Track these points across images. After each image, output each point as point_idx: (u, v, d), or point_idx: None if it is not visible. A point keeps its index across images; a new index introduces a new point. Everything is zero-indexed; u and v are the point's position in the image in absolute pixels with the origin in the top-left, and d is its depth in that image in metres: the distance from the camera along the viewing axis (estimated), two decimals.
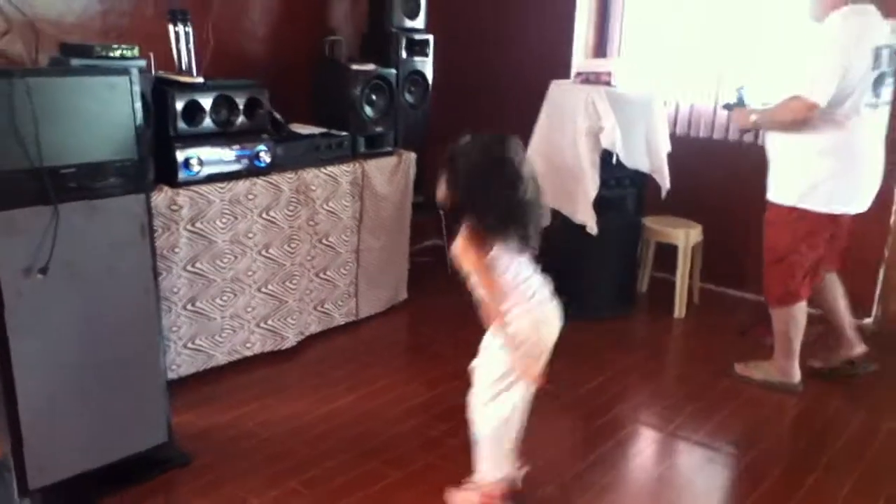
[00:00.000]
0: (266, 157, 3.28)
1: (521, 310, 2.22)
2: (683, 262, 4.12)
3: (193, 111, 3.05)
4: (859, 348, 3.44)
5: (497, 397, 2.30)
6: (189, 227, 3.06)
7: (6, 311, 2.20)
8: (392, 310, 4.07)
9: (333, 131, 3.69)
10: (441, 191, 2.22)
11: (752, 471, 2.77)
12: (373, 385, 3.26)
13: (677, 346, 3.99)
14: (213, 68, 3.57)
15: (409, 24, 4.14)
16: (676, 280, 4.13)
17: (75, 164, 2.26)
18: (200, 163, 3.07)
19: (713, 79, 4.29)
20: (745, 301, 4.30)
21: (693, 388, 3.39)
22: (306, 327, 3.65)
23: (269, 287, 3.41)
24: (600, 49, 4.72)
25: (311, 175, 3.48)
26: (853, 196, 3.10)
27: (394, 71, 3.92)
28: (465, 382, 2.39)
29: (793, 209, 3.11)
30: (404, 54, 4.06)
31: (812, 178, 3.05)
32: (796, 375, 3.33)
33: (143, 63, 2.84)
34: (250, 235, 3.28)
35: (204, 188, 3.09)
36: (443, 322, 3.88)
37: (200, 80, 3.15)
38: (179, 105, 3.00)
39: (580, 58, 4.58)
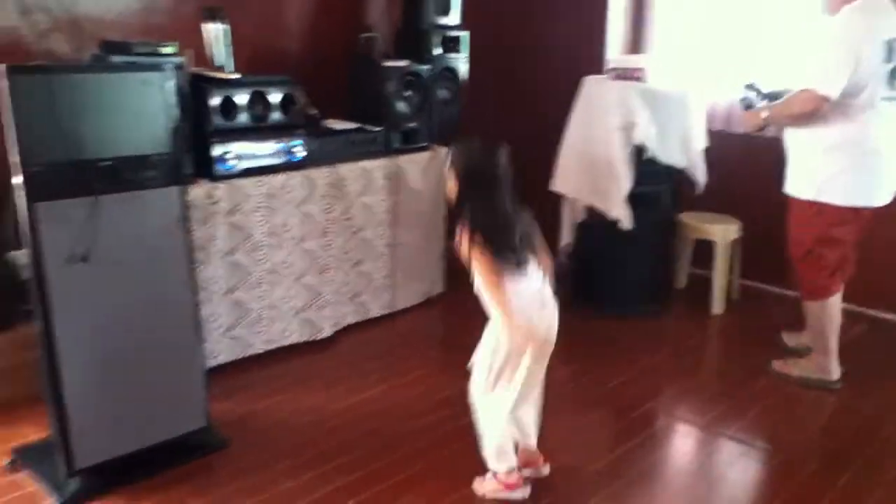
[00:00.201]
0: (301, 152, 3.35)
1: (518, 310, 2.28)
2: (721, 258, 4.08)
3: (229, 107, 3.13)
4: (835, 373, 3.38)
5: (495, 387, 2.35)
6: (227, 219, 3.14)
7: (50, 297, 2.29)
8: (428, 302, 4.11)
9: (368, 126, 3.75)
10: (448, 187, 2.34)
11: (785, 468, 2.75)
12: (405, 376, 3.31)
13: (713, 342, 3.96)
14: (251, 64, 3.64)
15: (443, 20, 4.17)
16: (714, 276, 4.09)
17: (114, 157, 2.34)
18: (237, 157, 3.15)
19: (742, 74, 4.23)
20: (785, 297, 4.24)
21: (728, 384, 3.36)
22: (342, 318, 3.72)
23: (306, 278, 3.48)
24: (636, 45, 4.70)
25: (345, 169, 3.55)
26: (873, 189, 3.06)
27: (427, 67, 3.96)
28: None
29: (812, 203, 3.09)
30: (438, 51, 4.10)
31: (829, 171, 3.03)
32: (835, 372, 3.28)
33: (180, 60, 2.94)
34: (286, 228, 3.35)
35: (241, 182, 3.17)
36: (478, 315, 3.85)
37: (236, 76, 3.24)
38: (216, 101, 3.08)
39: (615, 53, 4.56)
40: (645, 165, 3.83)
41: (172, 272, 2.56)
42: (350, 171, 3.57)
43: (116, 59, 2.82)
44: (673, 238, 4.30)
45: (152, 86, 2.41)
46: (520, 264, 2.28)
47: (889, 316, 4.04)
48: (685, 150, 3.97)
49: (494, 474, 2.46)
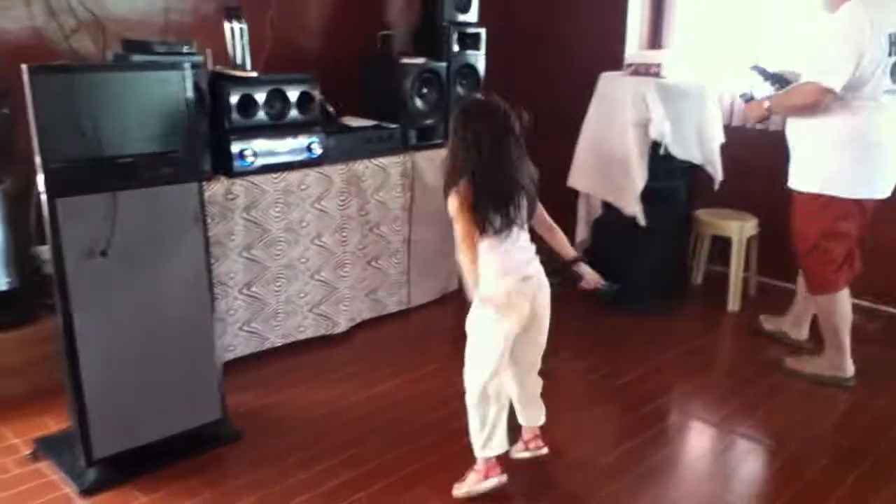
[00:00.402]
0: (318, 149, 3.40)
1: (494, 272, 2.30)
2: (737, 255, 4.07)
3: (248, 104, 3.18)
4: (802, 334, 3.60)
5: (481, 362, 2.38)
6: (244, 215, 3.20)
7: (70, 291, 2.36)
8: (444, 298, 4.14)
9: (384, 124, 3.79)
10: (451, 141, 2.33)
11: (794, 465, 2.75)
12: (419, 371, 3.35)
13: (727, 339, 3.96)
14: (270, 62, 3.70)
15: (461, 17, 4.19)
16: (730, 273, 4.09)
17: (132, 154, 2.40)
18: (254, 154, 3.20)
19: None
20: None
21: (740, 381, 3.36)
22: (358, 314, 3.76)
23: (322, 274, 3.52)
24: (654, 40, 4.69)
25: (361, 166, 3.59)
26: (876, 181, 3.07)
27: (444, 64, 3.99)
28: None
29: (818, 196, 3.10)
30: (456, 48, 4.12)
31: (834, 164, 3.04)
32: (848, 369, 3.27)
33: (199, 59, 3.00)
34: (303, 224, 3.40)
35: (258, 178, 3.22)
36: None
37: (254, 74, 3.29)
38: (234, 99, 3.13)
39: (633, 49, 4.56)
40: (661, 161, 3.83)
41: (189, 267, 2.61)
42: (366, 167, 3.61)
43: (137, 58, 2.87)
44: (689, 235, 4.29)
45: (170, 84, 2.46)
46: (504, 231, 2.28)
47: None
48: (702, 145, 3.97)
49: (474, 468, 2.48)
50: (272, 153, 3.27)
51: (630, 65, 3.99)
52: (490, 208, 2.26)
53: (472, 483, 2.48)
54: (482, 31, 4.21)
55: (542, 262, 2.42)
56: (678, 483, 2.68)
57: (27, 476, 2.55)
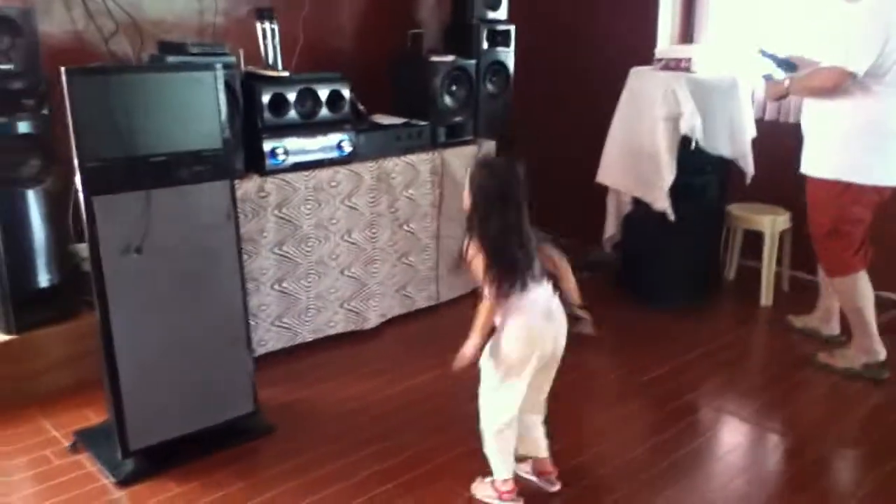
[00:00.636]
0: (348, 147, 3.44)
1: (516, 324, 2.32)
2: (769, 250, 4.03)
3: (279, 104, 3.23)
4: (832, 329, 3.56)
5: (497, 393, 2.38)
6: (276, 212, 3.25)
7: (107, 288, 2.43)
8: (473, 293, 4.14)
9: (414, 121, 3.82)
10: (464, 197, 2.37)
11: (822, 460, 2.74)
12: (448, 366, 3.35)
13: (759, 334, 3.92)
14: (303, 62, 3.75)
15: (491, 15, 4.21)
16: (762, 267, 4.05)
17: (166, 153, 2.46)
18: (286, 152, 3.25)
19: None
20: None
21: (771, 376, 3.35)
22: (389, 309, 3.80)
23: (352, 270, 3.57)
24: (687, 35, 4.66)
25: (391, 163, 3.63)
26: (893, 168, 3.07)
27: (473, 62, 4.01)
28: None
29: (836, 182, 3.10)
30: (486, 45, 4.14)
31: (852, 151, 3.05)
32: (881, 352, 3.26)
33: (231, 59, 3.05)
34: (333, 221, 3.45)
35: (290, 176, 3.28)
36: None
37: (286, 73, 3.34)
38: (266, 98, 3.19)
39: (665, 44, 4.53)
40: (692, 156, 3.81)
41: (222, 263, 2.67)
42: (396, 164, 3.65)
43: (172, 59, 2.95)
44: (721, 229, 4.26)
45: (203, 84, 2.52)
46: (523, 279, 2.29)
47: None
48: (733, 140, 3.94)
49: (493, 481, 2.47)
50: (303, 151, 3.32)
51: (660, 59, 3.98)
52: (501, 275, 2.27)
53: (489, 496, 2.50)
54: (512, 28, 4.23)
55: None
56: (706, 477, 2.68)
57: (66, 467, 2.63)
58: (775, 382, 3.28)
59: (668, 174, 3.74)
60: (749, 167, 4.01)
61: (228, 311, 2.72)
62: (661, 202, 3.80)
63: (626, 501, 2.51)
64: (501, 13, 4.25)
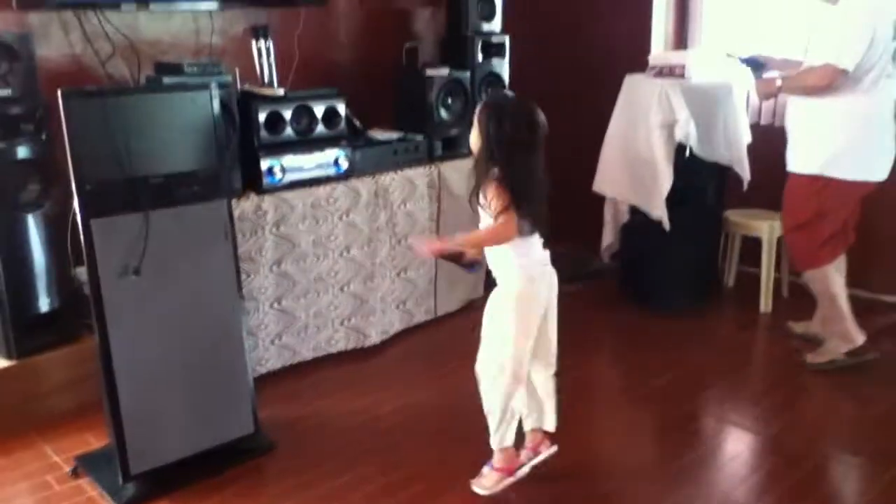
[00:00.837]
0: (344, 163, 3.45)
1: (522, 263, 2.38)
2: (768, 255, 4.03)
3: (275, 121, 3.24)
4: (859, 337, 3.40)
5: (506, 348, 2.40)
6: (274, 230, 3.25)
7: (106, 310, 2.42)
8: (469, 307, 4.15)
9: (410, 135, 3.83)
10: (474, 136, 2.37)
11: (826, 465, 2.75)
12: (449, 380, 3.37)
13: (759, 340, 3.92)
14: (298, 78, 3.76)
15: (485, 27, 4.22)
16: (761, 273, 4.05)
17: (163, 173, 2.46)
18: (283, 170, 3.26)
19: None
20: None
21: (772, 381, 3.35)
22: (390, 326, 3.78)
23: (352, 287, 3.57)
24: (681, 40, 4.67)
25: (388, 178, 3.63)
26: (875, 164, 3.14)
27: (468, 74, 4.02)
28: None
29: (817, 178, 3.16)
30: (480, 57, 4.15)
31: (835, 146, 3.11)
32: (858, 337, 3.29)
33: (227, 78, 3.06)
34: (332, 238, 3.45)
35: (287, 194, 3.28)
36: None
37: (281, 91, 3.35)
38: (262, 116, 3.19)
39: (659, 50, 4.55)
40: (688, 163, 3.81)
41: (220, 282, 2.66)
42: (393, 179, 3.65)
43: (168, 79, 2.96)
44: (719, 236, 4.26)
45: (198, 104, 2.53)
46: (533, 229, 2.36)
47: None
48: (729, 146, 3.95)
49: (492, 467, 2.50)
50: (300, 168, 3.32)
51: (654, 66, 3.99)
52: (521, 214, 2.30)
53: (495, 482, 2.51)
54: (506, 39, 4.24)
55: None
56: (709, 484, 2.67)
57: (68, 493, 2.61)
58: (776, 388, 3.27)
59: (665, 182, 3.75)
60: (745, 173, 4.02)
61: (227, 331, 2.72)
62: (658, 210, 3.80)
63: None
64: (495, 24, 4.27)
